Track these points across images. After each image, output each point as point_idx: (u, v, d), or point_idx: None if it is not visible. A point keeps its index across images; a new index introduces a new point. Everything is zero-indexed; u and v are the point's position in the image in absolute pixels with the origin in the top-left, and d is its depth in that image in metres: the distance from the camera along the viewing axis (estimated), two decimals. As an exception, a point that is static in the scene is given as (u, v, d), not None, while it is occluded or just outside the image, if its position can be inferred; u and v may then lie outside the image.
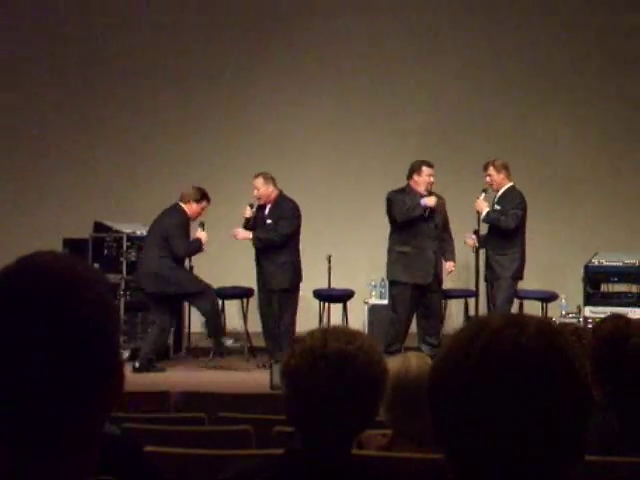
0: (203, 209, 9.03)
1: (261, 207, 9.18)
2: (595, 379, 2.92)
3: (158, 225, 8.93)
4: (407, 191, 9.00)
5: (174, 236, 8.82)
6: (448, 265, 9.12)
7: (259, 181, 9.10)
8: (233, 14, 11.26)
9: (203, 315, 9.05)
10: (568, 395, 1.17)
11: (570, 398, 1.17)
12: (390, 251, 9.07)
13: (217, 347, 9.11)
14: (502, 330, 1.19)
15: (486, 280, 9.05)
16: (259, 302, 9.31)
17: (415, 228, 8.90)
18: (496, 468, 1.16)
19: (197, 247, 8.96)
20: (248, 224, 9.12)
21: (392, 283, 9.12)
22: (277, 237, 8.98)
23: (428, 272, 8.91)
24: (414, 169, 9.04)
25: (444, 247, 9.10)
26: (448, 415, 1.19)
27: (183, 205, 8.96)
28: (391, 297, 9.17)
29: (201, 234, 8.96)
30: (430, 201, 8.87)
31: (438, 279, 9.09)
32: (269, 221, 9.06)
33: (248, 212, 9.13)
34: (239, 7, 11.28)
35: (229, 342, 9.17)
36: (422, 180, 8.97)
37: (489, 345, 1.18)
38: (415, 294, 8.93)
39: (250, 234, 9.02)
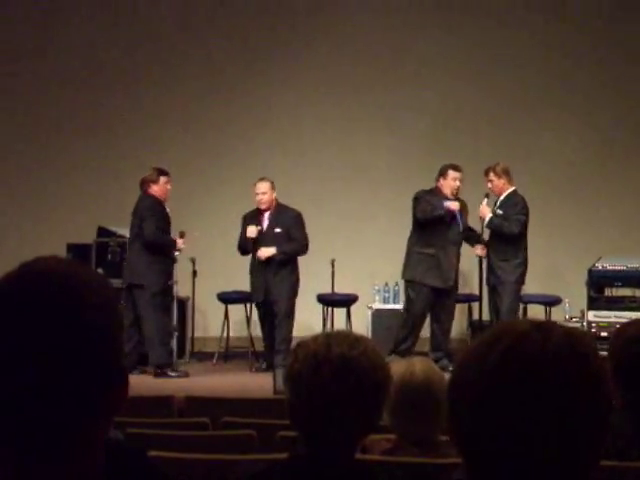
0: (167, 183, 8.90)
1: (260, 213, 8.98)
2: (613, 381, 2.92)
3: (134, 216, 8.84)
4: (435, 192, 8.92)
5: (145, 217, 8.69)
6: (479, 248, 8.97)
7: (266, 186, 8.90)
8: (234, 15, 11.26)
9: (148, 332, 8.61)
10: (590, 400, 1.18)
11: (591, 403, 1.18)
12: (411, 252, 8.96)
13: (155, 374, 8.58)
14: (528, 334, 1.20)
15: (488, 284, 9.03)
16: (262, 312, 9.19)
17: (439, 231, 8.81)
18: (513, 470, 1.17)
19: (169, 242, 8.75)
20: (253, 243, 8.82)
21: (410, 283, 9.00)
22: (302, 248, 8.87)
23: (449, 276, 8.85)
24: (441, 172, 8.95)
25: (467, 240, 9.05)
26: (467, 416, 1.19)
27: (149, 190, 8.87)
28: (407, 297, 9.10)
29: (179, 241, 8.83)
30: (453, 205, 8.77)
31: (455, 285, 9.04)
32: (278, 230, 8.85)
33: (254, 232, 8.81)
34: (240, 8, 11.28)
35: (173, 374, 8.68)
36: (447, 184, 8.88)
37: (513, 348, 1.18)
38: (431, 297, 8.89)
39: (274, 250, 8.76)
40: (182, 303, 10.08)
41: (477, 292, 9.43)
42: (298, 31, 11.24)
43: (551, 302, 9.84)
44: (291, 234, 8.87)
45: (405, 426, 2.92)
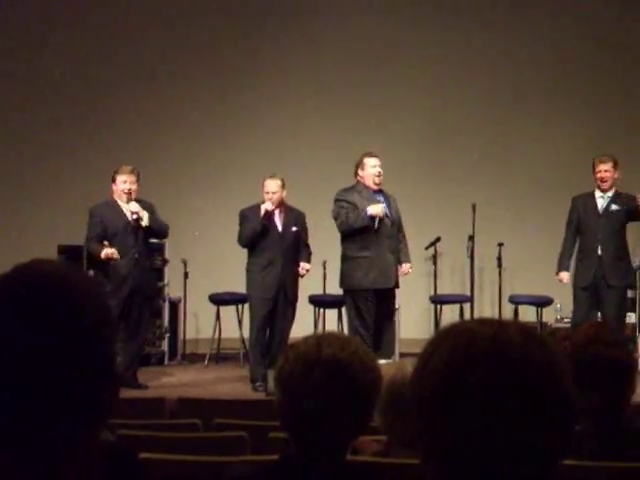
0: (124, 182, 8.14)
1: (266, 211, 8.34)
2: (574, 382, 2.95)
3: None
4: (357, 188, 8.37)
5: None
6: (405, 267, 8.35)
7: (276, 184, 8.40)
8: (233, 14, 11.27)
9: None
10: (555, 396, 1.19)
11: (557, 399, 1.19)
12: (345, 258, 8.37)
13: None
14: (494, 336, 1.20)
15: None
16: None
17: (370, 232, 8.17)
18: (479, 469, 1.17)
19: (90, 251, 8.26)
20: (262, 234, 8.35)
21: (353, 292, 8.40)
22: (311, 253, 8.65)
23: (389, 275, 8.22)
24: (358, 164, 8.44)
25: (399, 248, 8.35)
26: (436, 422, 1.20)
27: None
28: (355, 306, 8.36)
29: (106, 251, 8.02)
30: (375, 209, 8.13)
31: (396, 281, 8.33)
32: (295, 228, 8.43)
33: (270, 205, 8.30)
34: (238, 6, 11.29)
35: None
36: (367, 174, 8.35)
37: (490, 350, 1.19)
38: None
39: (308, 266, 8.51)
40: (174, 305, 10.09)
41: (469, 293, 9.44)
42: (290, 30, 11.25)
43: (542, 303, 9.84)
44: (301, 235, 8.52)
45: (396, 427, 2.92)
